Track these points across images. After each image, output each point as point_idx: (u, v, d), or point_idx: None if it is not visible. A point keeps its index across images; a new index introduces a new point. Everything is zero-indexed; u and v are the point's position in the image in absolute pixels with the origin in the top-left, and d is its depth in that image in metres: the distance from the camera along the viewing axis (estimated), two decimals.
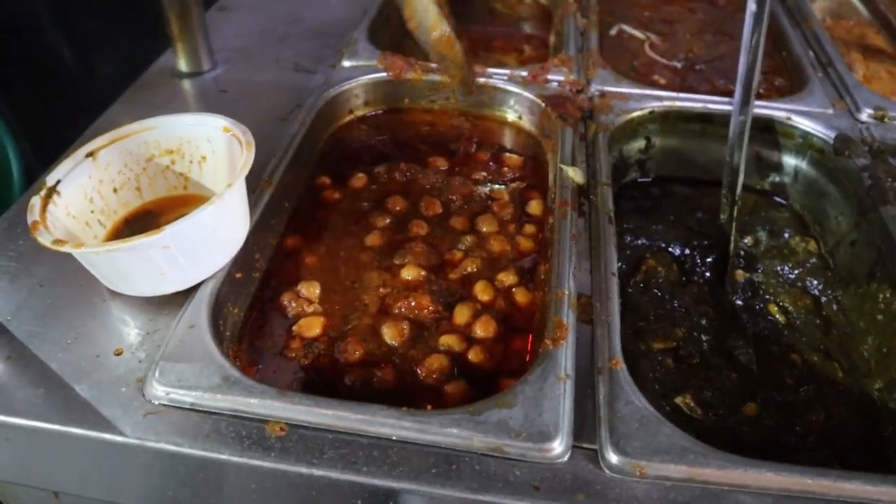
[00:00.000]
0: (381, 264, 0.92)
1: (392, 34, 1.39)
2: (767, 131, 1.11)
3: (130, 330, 0.77)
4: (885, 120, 1.11)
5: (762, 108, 1.10)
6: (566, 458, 0.65)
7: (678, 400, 0.83)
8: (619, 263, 0.94)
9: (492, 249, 0.94)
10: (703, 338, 0.91)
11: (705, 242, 1.04)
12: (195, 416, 0.68)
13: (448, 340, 0.81)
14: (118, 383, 0.71)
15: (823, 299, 0.98)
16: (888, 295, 0.90)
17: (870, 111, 1.12)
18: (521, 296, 0.87)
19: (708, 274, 1.00)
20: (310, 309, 0.86)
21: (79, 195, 0.82)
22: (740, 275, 1.00)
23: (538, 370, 0.70)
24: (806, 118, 1.10)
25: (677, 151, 1.13)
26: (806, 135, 1.09)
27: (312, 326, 0.83)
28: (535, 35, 1.51)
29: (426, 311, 0.85)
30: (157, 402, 0.69)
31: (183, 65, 1.21)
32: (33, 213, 0.76)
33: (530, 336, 0.83)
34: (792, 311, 0.96)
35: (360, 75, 1.17)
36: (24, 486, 0.80)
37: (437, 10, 0.89)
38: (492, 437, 0.64)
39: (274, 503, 0.67)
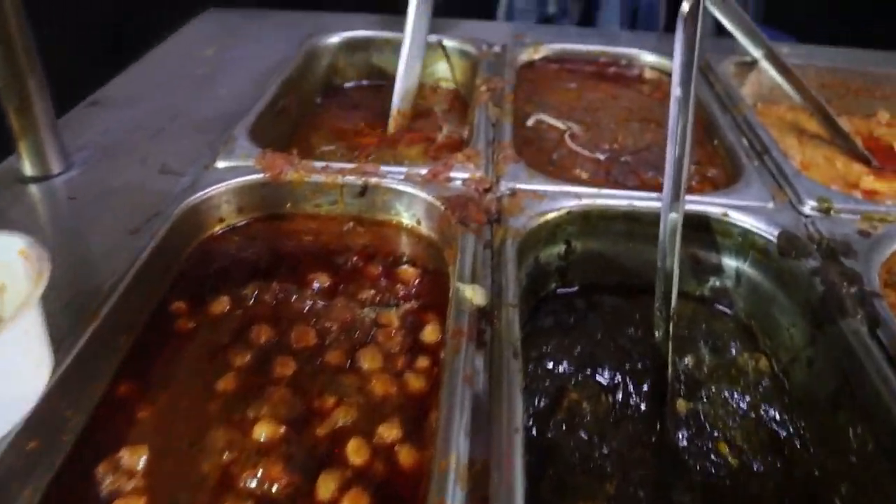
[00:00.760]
0: (230, 417, 0.72)
1: (283, 130, 1.23)
2: (703, 230, 0.97)
3: None
4: (832, 213, 0.98)
5: (695, 204, 0.96)
6: None
7: None
8: (537, 397, 0.78)
9: (373, 392, 0.74)
10: (640, 493, 0.73)
11: (639, 365, 0.87)
12: None
13: None
14: None
15: (782, 433, 0.81)
16: (860, 431, 0.73)
17: (813, 203, 0.99)
18: (405, 455, 0.68)
19: (643, 406, 0.83)
20: (129, 485, 0.65)
21: None
22: (682, 405, 0.83)
23: None
24: (744, 213, 0.96)
25: (602, 256, 0.98)
26: (746, 233, 0.95)
27: None
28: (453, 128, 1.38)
29: (279, 483, 0.65)
30: None
31: (28, 168, 1.02)
32: None
33: None
34: (746, 450, 0.79)
35: (234, 177, 0.99)
36: None
37: None
38: None
39: None
